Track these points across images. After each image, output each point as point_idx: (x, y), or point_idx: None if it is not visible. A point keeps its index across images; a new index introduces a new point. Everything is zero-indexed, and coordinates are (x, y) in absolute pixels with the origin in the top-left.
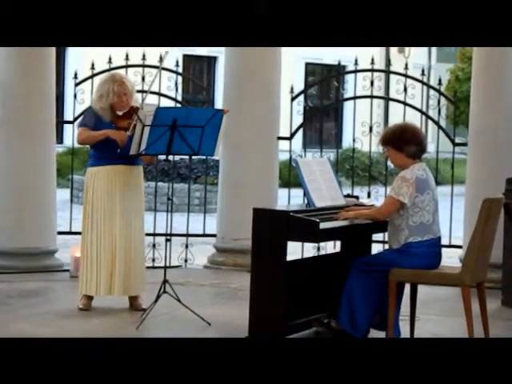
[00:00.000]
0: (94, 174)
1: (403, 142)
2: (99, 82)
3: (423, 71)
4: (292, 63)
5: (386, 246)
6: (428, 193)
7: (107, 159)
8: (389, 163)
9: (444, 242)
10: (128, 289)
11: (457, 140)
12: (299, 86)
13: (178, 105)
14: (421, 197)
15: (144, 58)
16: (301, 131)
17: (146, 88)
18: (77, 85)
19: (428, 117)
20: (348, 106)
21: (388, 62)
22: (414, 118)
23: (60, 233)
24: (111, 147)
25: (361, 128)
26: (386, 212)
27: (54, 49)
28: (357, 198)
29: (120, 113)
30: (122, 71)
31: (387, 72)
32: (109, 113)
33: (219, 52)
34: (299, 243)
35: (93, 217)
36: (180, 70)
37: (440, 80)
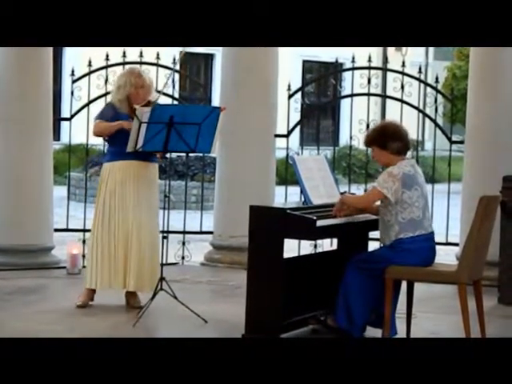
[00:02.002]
0: (109, 168)
1: (385, 138)
2: (119, 75)
3: (420, 69)
4: (289, 61)
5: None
6: (416, 189)
7: (123, 155)
8: None
9: (441, 239)
10: (140, 285)
11: (454, 138)
12: (296, 83)
13: (175, 102)
14: (408, 193)
15: (141, 55)
16: (298, 129)
17: None
18: (74, 82)
19: (425, 114)
20: (345, 104)
21: (385, 60)
22: (411, 116)
23: (57, 230)
24: (127, 143)
25: (358, 125)
26: (366, 201)
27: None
28: (353, 195)
29: (137, 106)
30: (119, 69)
31: (384, 70)
32: (126, 105)
33: (216, 50)
34: (296, 241)
35: (104, 211)
36: (177, 67)
37: (437, 78)
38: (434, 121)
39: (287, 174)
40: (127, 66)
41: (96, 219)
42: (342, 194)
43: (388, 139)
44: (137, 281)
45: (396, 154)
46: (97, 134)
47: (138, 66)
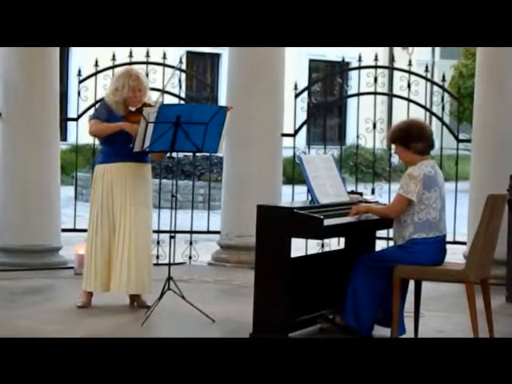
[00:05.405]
0: (103, 170)
1: (410, 139)
2: (115, 75)
3: (427, 68)
4: (296, 60)
5: (391, 243)
6: (435, 190)
7: (117, 156)
8: (393, 159)
9: (448, 238)
10: (134, 287)
11: (461, 136)
12: (303, 82)
13: (182, 102)
14: (428, 194)
15: (148, 55)
16: (305, 128)
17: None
18: (80, 82)
19: (432, 113)
20: (352, 103)
21: (392, 59)
22: (418, 115)
23: (64, 230)
24: (122, 144)
25: (364, 124)
26: (397, 211)
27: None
28: (361, 194)
29: (133, 108)
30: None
31: (391, 68)
32: (121, 107)
33: (223, 49)
34: (303, 240)
35: (100, 214)
36: (183, 66)
37: (444, 76)
38: (440, 119)
39: (294, 173)
40: (124, 67)
41: (91, 223)
42: (349, 193)
43: (412, 140)
44: (134, 283)
45: (419, 153)
46: (93, 134)
47: (133, 66)
